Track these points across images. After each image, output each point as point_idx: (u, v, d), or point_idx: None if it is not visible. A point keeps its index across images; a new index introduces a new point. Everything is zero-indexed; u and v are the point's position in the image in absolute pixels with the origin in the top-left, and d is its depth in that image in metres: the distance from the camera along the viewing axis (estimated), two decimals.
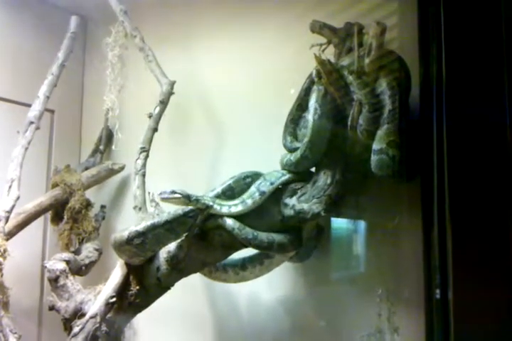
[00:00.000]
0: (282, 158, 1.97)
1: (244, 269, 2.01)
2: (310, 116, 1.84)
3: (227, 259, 2.02)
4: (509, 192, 1.50)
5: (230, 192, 1.96)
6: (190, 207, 1.88)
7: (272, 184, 1.91)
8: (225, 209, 1.87)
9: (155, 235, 1.89)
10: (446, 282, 1.54)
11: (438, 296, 1.58)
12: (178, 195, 1.80)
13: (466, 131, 1.55)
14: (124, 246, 1.93)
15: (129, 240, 1.91)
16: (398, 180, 1.80)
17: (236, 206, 1.88)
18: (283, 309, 2.27)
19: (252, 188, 1.92)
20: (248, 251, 2.01)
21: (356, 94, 1.75)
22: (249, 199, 1.89)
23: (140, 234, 1.90)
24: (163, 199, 1.82)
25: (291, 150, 1.95)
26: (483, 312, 1.48)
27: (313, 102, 1.84)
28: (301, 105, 1.97)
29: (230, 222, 1.85)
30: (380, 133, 1.70)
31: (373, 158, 1.70)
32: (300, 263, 2.16)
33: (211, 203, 1.85)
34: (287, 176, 1.95)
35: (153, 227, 1.89)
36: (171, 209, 1.95)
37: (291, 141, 1.99)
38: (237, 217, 1.88)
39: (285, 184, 1.94)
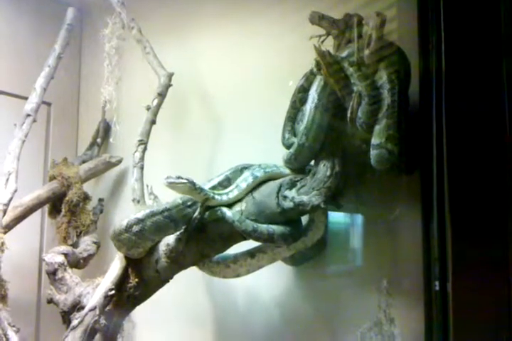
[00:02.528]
0: (284, 155, 1.97)
1: (235, 262, 2.01)
2: (308, 105, 1.85)
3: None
4: (507, 184, 1.50)
5: (226, 183, 1.98)
6: (188, 197, 1.90)
7: (266, 172, 1.94)
8: (224, 198, 1.90)
9: (154, 223, 1.92)
10: (446, 274, 1.54)
11: (437, 288, 1.58)
12: (184, 181, 1.80)
13: (465, 123, 1.55)
14: (123, 234, 1.95)
15: (128, 227, 1.93)
16: (398, 173, 1.80)
17: (232, 191, 1.92)
18: (283, 303, 2.28)
19: (246, 173, 1.95)
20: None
21: (356, 86, 1.74)
22: (242, 182, 1.92)
23: (139, 221, 1.93)
24: (169, 184, 1.80)
25: (289, 147, 1.96)
26: (482, 303, 1.49)
27: (313, 91, 1.84)
28: (295, 102, 1.98)
29: (229, 214, 1.86)
30: (378, 127, 1.70)
31: (372, 152, 1.71)
32: (292, 266, 2.18)
33: (212, 194, 1.87)
34: (284, 169, 1.97)
35: (151, 214, 1.92)
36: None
37: (288, 138, 1.99)
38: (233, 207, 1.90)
39: (281, 176, 1.95)
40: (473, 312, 1.49)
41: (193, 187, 1.81)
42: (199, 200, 1.88)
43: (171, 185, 1.80)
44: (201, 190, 1.84)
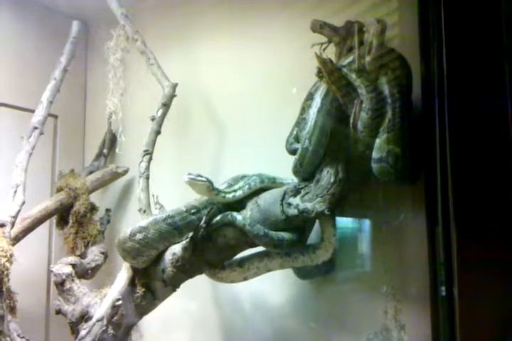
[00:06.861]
0: (292, 165, 1.98)
1: (241, 265, 2.01)
2: (311, 110, 1.87)
3: None
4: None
5: (228, 190, 2.00)
6: (192, 204, 1.93)
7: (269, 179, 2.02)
8: (233, 194, 1.95)
9: (157, 230, 1.93)
10: (452, 279, 1.54)
11: (443, 293, 1.57)
12: (204, 179, 1.83)
13: (468, 128, 1.55)
14: (127, 243, 1.96)
15: (132, 236, 1.95)
16: (401, 183, 1.81)
17: (242, 188, 1.97)
18: (289, 309, 2.27)
19: (253, 177, 2.01)
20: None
21: (363, 96, 1.74)
22: (247, 184, 1.98)
23: (142, 229, 1.94)
24: (190, 180, 1.81)
25: (291, 152, 1.98)
26: (488, 308, 1.48)
27: (317, 96, 1.86)
28: (303, 109, 1.99)
29: (240, 218, 1.88)
30: (378, 141, 1.71)
31: (374, 165, 1.72)
32: (300, 279, 2.18)
33: (228, 195, 1.92)
34: (290, 179, 2.01)
35: (154, 222, 1.94)
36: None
37: (291, 142, 2.01)
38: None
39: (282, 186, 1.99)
40: (479, 316, 1.48)
41: (211, 186, 1.85)
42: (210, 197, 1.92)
43: (191, 182, 1.81)
44: (218, 191, 1.88)
